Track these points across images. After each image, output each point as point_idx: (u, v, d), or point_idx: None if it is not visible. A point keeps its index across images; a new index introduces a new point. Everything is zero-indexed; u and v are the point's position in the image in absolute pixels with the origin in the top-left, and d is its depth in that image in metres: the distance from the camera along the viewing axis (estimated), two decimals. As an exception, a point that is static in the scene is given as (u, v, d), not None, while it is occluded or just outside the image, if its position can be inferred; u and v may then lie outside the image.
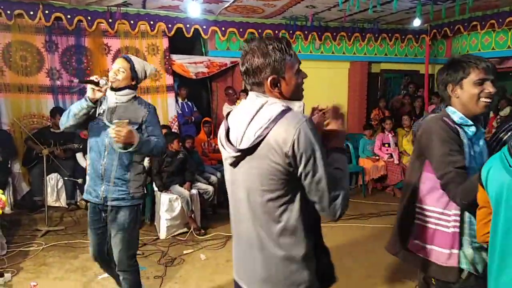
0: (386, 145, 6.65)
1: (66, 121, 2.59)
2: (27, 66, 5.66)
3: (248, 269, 1.49)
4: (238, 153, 1.39)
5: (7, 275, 3.54)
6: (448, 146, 1.69)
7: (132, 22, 5.98)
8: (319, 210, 1.38)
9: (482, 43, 6.75)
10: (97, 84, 2.46)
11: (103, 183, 2.58)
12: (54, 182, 5.47)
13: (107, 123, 2.51)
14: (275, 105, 1.36)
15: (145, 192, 2.94)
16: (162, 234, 4.67)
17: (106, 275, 3.21)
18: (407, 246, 1.90)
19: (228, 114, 1.55)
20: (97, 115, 2.59)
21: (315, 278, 1.43)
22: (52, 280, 3.58)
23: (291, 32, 6.85)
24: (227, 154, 1.45)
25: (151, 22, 6.07)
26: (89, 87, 2.48)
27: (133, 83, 2.62)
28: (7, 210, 4.80)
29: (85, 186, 2.73)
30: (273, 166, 1.33)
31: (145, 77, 2.72)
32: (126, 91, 2.59)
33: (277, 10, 6.09)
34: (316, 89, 7.46)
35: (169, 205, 4.70)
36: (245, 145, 1.37)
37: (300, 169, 1.32)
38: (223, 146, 1.47)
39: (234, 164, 1.43)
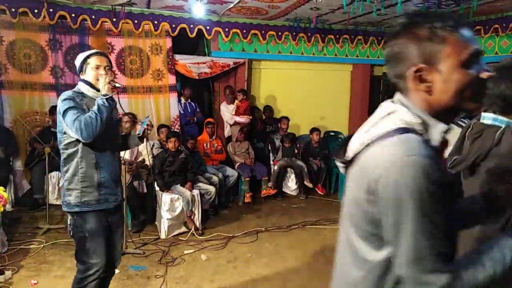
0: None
1: (99, 128, 2.35)
2: (31, 64, 5.65)
3: None
4: (343, 164, 1.12)
5: (8, 273, 3.54)
6: None
7: (136, 21, 5.98)
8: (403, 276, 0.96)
9: (485, 47, 6.74)
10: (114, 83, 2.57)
11: (119, 184, 2.62)
12: (55, 180, 5.45)
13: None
14: (396, 117, 0.98)
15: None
16: (163, 234, 4.66)
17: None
18: None
19: None
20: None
21: None
22: (52, 278, 3.58)
23: (294, 34, 6.85)
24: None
25: (155, 22, 6.08)
26: (108, 85, 2.51)
27: None
28: (8, 207, 4.81)
29: (95, 197, 2.43)
30: (357, 191, 1.01)
31: None
32: None
33: (280, 12, 6.09)
34: (318, 92, 7.51)
35: (170, 204, 4.69)
36: (348, 156, 1.08)
37: (380, 214, 0.95)
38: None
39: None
